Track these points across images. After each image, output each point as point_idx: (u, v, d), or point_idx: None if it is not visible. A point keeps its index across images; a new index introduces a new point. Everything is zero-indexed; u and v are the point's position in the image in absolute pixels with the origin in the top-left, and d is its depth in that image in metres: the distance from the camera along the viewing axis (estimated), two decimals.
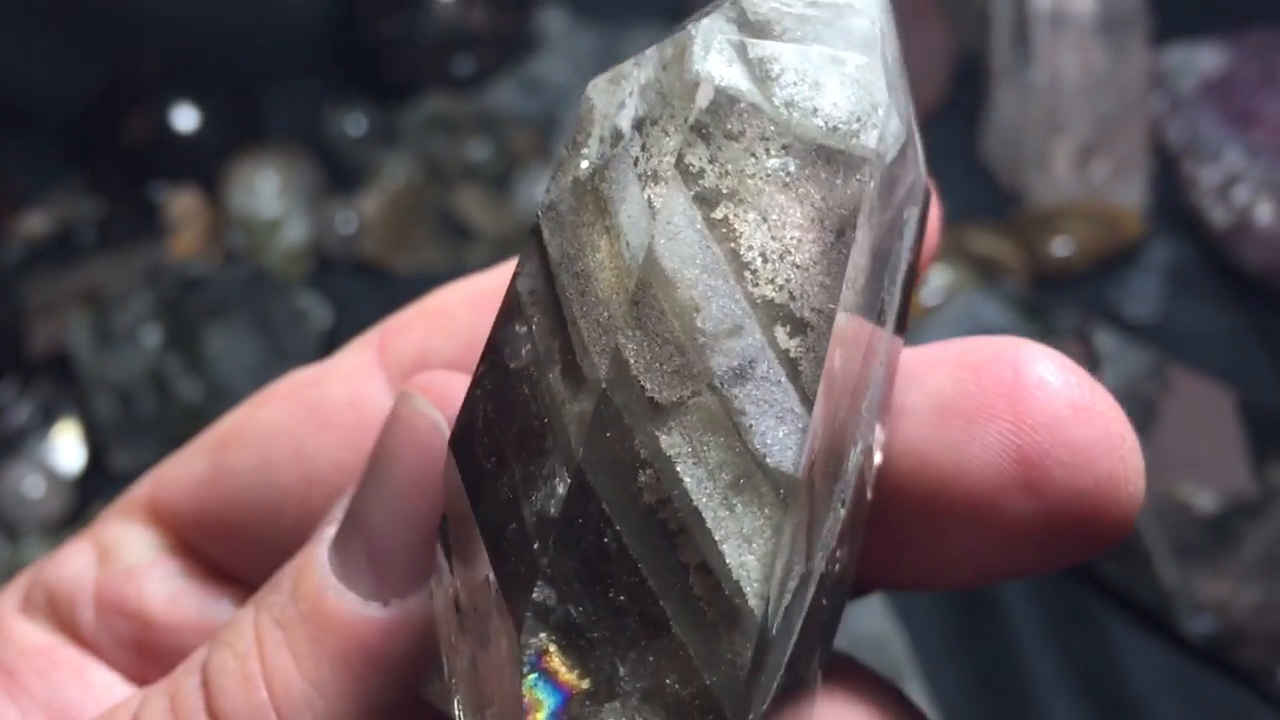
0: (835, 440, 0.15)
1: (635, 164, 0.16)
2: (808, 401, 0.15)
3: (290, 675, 0.18)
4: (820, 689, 0.17)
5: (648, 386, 0.15)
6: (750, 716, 0.15)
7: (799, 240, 0.15)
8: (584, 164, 0.16)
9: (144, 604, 0.23)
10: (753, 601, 0.14)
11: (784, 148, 0.15)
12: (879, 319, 0.16)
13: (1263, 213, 0.70)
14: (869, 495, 0.17)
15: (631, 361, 0.15)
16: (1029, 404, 0.17)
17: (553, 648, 0.15)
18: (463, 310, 0.22)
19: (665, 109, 0.16)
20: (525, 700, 0.14)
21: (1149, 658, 0.58)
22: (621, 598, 0.14)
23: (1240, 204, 0.71)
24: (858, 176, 0.15)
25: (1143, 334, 0.68)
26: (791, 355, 0.15)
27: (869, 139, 0.15)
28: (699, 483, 0.15)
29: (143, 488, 0.24)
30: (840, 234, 0.15)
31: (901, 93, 0.16)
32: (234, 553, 0.23)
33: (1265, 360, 0.69)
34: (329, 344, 0.76)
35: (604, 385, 0.15)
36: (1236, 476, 0.58)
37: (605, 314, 0.15)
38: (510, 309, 0.16)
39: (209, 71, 0.86)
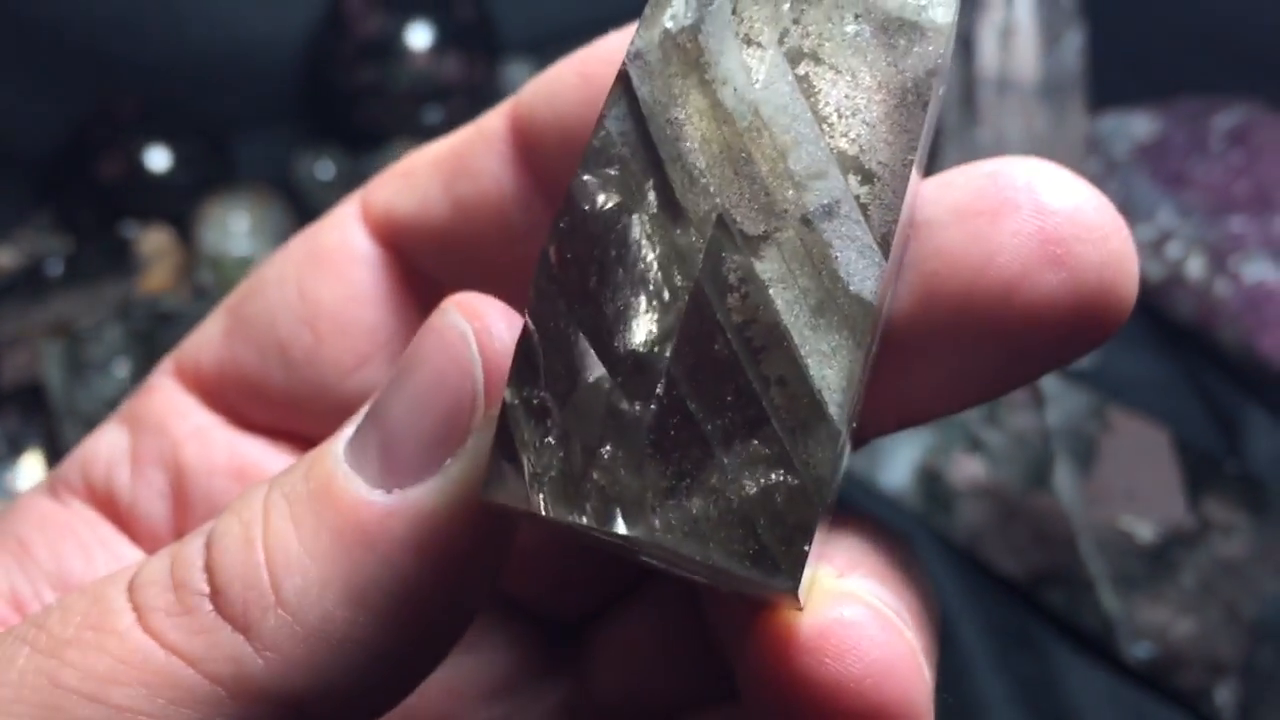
0: (889, 282, 0.18)
1: (730, 24, 0.18)
2: (882, 242, 0.17)
3: (289, 541, 0.19)
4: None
5: (739, 219, 0.17)
6: (822, 510, 0.17)
7: (869, 100, 0.17)
8: (671, 20, 0.18)
9: (177, 453, 0.25)
10: (833, 410, 0.16)
11: (857, 16, 0.18)
12: (923, 173, 0.18)
13: (1194, 267, 0.74)
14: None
15: (727, 195, 0.17)
16: (1048, 194, 0.18)
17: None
18: (423, 169, 0.25)
19: None
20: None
21: (1091, 681, 0.61)
22: (728, 398, 0.17)
23: (1173, 259, 0.75)
24: (930, 47, 0.17)
25: (1083, 380, 0.72)
26: (862, 201, 0.17)
27: (938, 14, 0.18)
28: (788, 305, 0.17)
29: (168, 360, 0.27)
30: (908, 98, 0.17)
31: None
32: (256, 392, 0.25)
33: (1197, 405, 0.73)
34: None
35: (705, 217, 0.17)
36: (1173, 509, 0.61)
37: (702, 157, 0.17)
38: (598, 149, 0.18)
39: (183, 115, 0.87)
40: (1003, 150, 0.78)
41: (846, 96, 0.17)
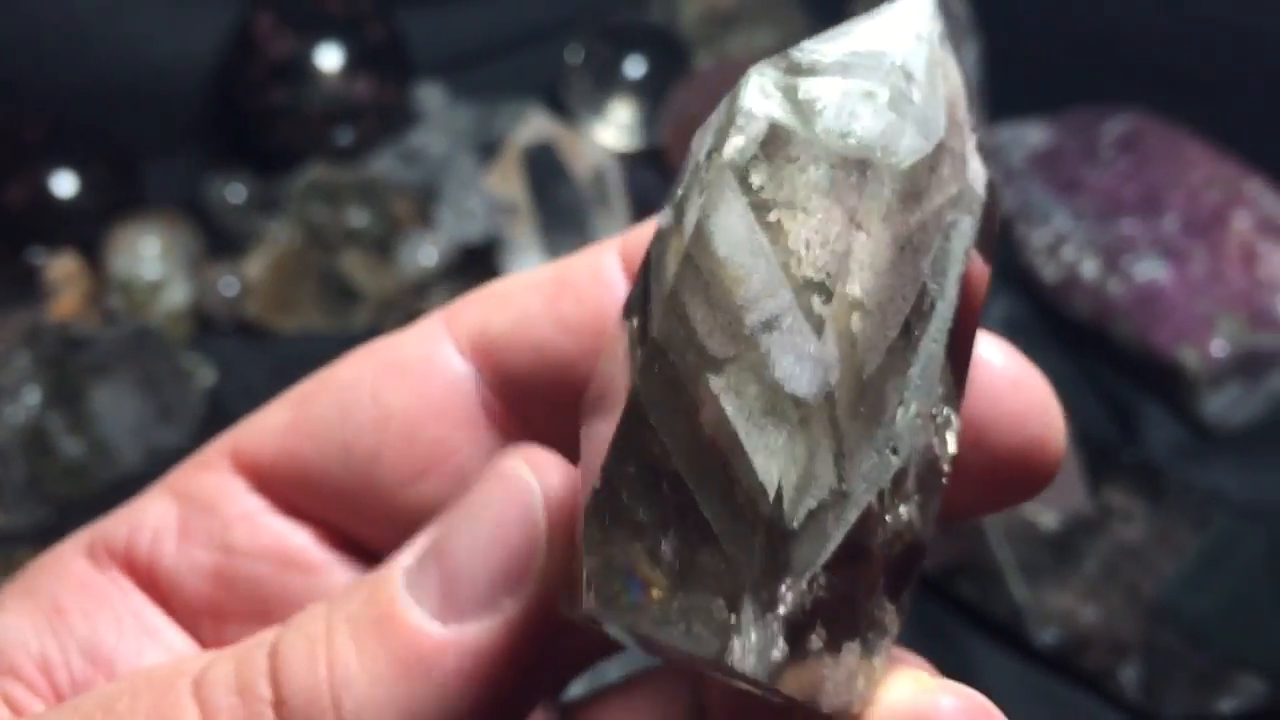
0: (868, 391, 0.20)
1: (701, 182, 0.20)
2: (824, 341, 0.19)
3: (350, 663, 0.20)
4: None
5: (706, 345, 0.20)
6: (764, 596, 0.19)
7: (837, 233, 0.20)
8: (679, 190, 0.21)
9: (226, 533, 0.26)
10: (769, 494, 0.19)
11: (829, 163, 0.20)
12: (919, 301, 0.20)
13: (1088, 268, 0.77)
14: (944, 468, 0.21)
15: (692, 322, 0.20)
16: (975, 380, 0.21)
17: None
18: (518, 293, 0.25)
19: (736, 138, 0.21)
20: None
21: (1003, 667, 0.63)
22: (669, 495, 0.19)
23: (1068, 261, 0.78)
24: (873, 181, 0.20)
25: None
26: (816, 312, 0.19)
27: (885, 153, 0.20)
28: (737, 410, 0.19)
29: (224, 442, 0.26)
30: (859, 226, 0.20)
31: (937, 116, 0.21)
32: (312, 488, 0.26)
33: (1094, 399, 0.76)
34: (213, 402, 0.77)
35: (657, 339, 0.20)
36: (1076, 498, 0.64)
37: (680, 288, 0.20)
38: (633, 282, 0.21)
39: (90, 139, 0.86)
40: None
41: (816, 231, 0.20)
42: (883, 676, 0.20)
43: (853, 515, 0.19)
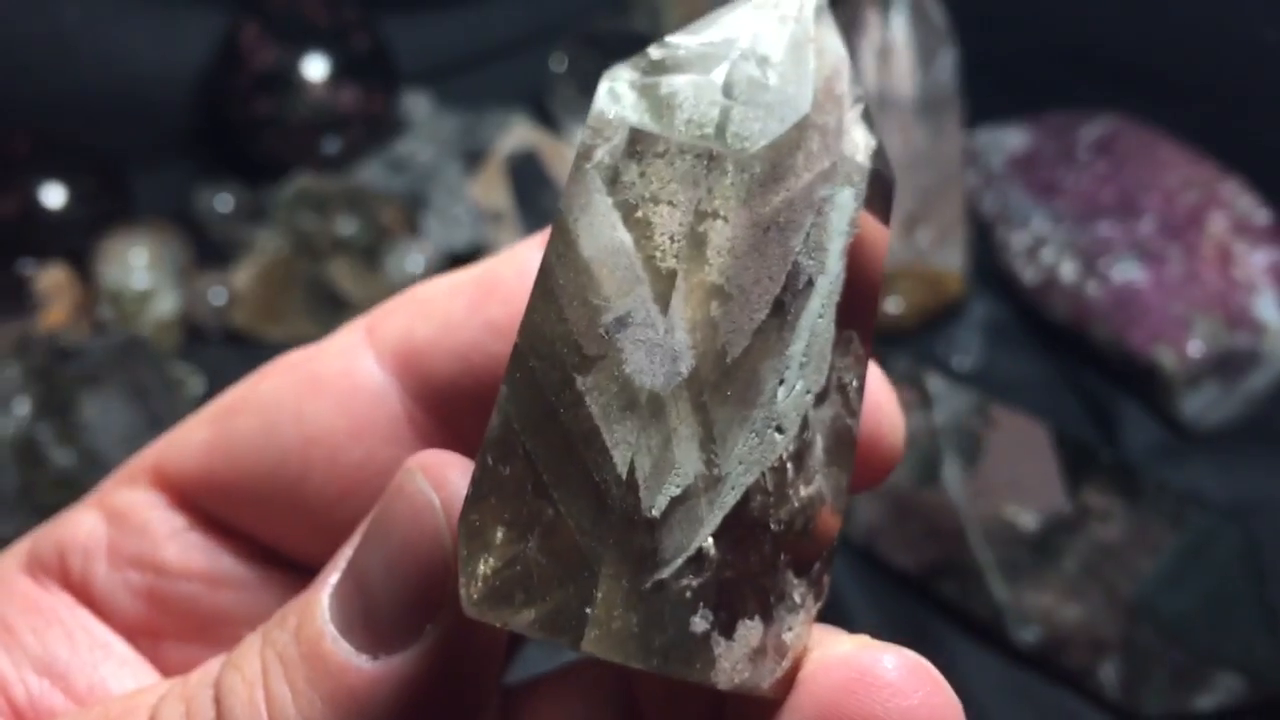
0: (735, 374, 0.20)
1: (574, 186, 0.21)
2: (669, 331, 0.20)
3: (287, 708, 0.21)
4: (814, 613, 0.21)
5: (581, 344, 0.20)
6: (634, 584, 0.19)
7: (689, 222, 0.21)
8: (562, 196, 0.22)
9: (156, 554, 0.26)
10: (622, 481, 0.20)
11: (691, 156, 0.21)
12: (792, 280, 0.21)
13: (1067, 270, 0.78)
14: (854, 433, 0.21)
15: (566, 324, 0.20)
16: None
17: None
18: (442, 298, 0.25)
19: (600, 142, 0.21)
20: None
21: (984, 666, 0.64)
22: (533, 496, 0.20)
23: (1047, 264, 0.79)
24: (722, 170, 0.21)
25: (967, 381, 0.75)
26: (670, 304, 0.20)
27: (736, 139, 0.21)
28: (599, 405, 0.20)
29: (146, 457, 0.26)
30: (715, 214, 0.21)
31: (799, 95, 0.21)
32: (237, 510, 0.26)
33: (1073, 400, 0.77)
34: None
35: (519, 343, 0.21)
36: (1054, 498, 0.64)
37: (555, 290, 0.21)
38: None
39: (78, 150, 0.87)
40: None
41: (679, 224, 0.21)
42: (800, 650, 0.20)
43: (731, 498, 0.20)
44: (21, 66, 0.85)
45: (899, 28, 0.80)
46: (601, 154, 0.21)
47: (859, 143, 0.22)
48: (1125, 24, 0.88)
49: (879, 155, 0.22)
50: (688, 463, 0.20)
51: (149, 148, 0.91)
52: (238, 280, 0.83)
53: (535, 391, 0.20)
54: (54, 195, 0.85)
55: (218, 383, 0.78)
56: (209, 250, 0.88)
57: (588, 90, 0.95)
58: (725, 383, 0.20)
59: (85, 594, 0.26)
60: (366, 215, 0.87)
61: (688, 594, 0.19)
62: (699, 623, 0.19)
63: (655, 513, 0.20)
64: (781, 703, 0.20)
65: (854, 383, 0.21)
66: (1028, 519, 0.64)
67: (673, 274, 0.20)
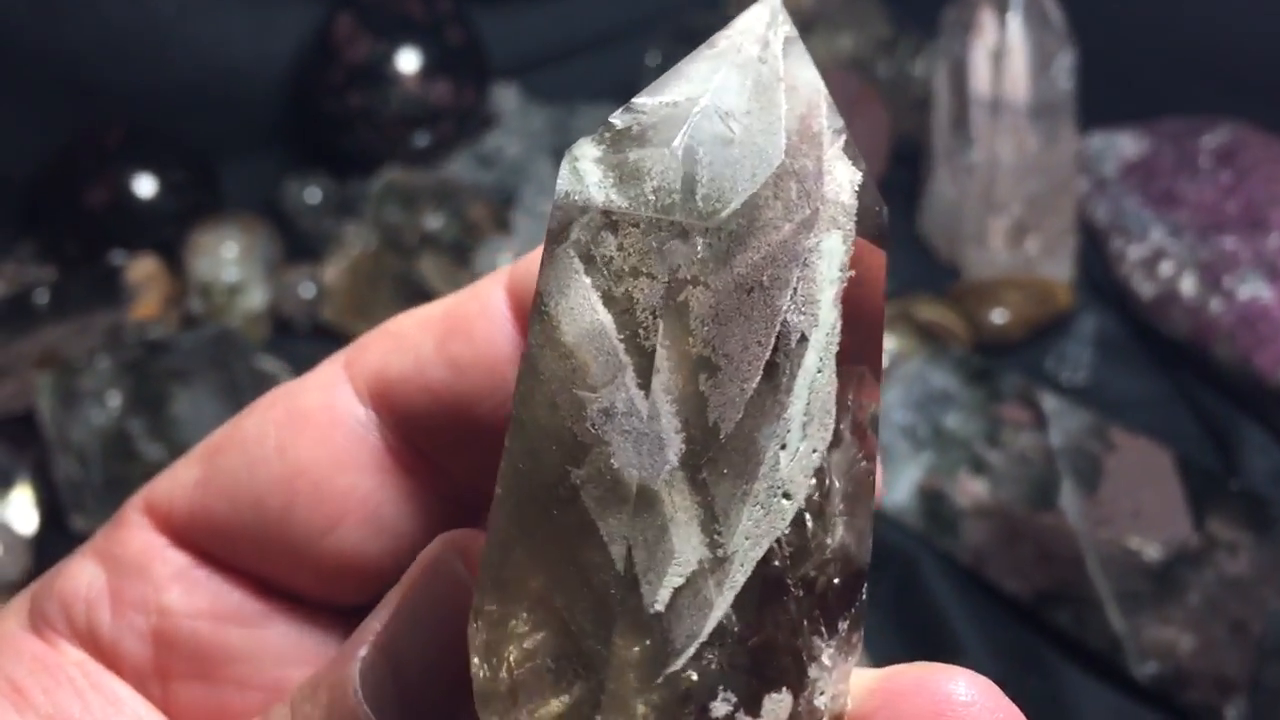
0: (731, 448, 0.19)
1: (550, 267, 0.20)
2: (654, 418, 0.19)
3: None
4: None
5: (574, 432, 0.19)
6: (644, 680, 0.19)
7: (663, 295, 0.19)
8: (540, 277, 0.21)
9: (159, 596, 0.25)
10: (622, 578, 0.19)
11: (663, 227, 0.20)
12: (782, 340, 0.20)
13: (1187, 285, 0.75)
14: (874, 471, 0.21)
15: (560, 410, 0.20)
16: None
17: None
18: (414, 332, 0.25)
19: (571, 220, 0.20)
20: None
21: (1100, 701, 0.61)
22: (539, 601, 0.19)
23: (1166, 277, 0.76)
24: (691, 239, 0.20)
25: (1078, 398, 0.72)
26: (652, 387, 0.19)
27: (704, 203, 0.20)
28: (593, 500, 0.19)
29: (138, 500, 0.27)
30: (682, 282, 0.20)
31: (770, 142, 0.20)
32: (231, 546, 0.26)
33: (1193, 422, 0.73)
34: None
35: (517, 432, 0.20)
36: (1179, 528, 0.62)
37: (543, 378, 0.20)
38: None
39: (170, 142, 0.87)
40: (995, 174, 0.78)
41: (659, 299, 0.20)
42: (838, 713, 0.20)
43: (741, 576, 0.19)
44: (115, 58, 0.84)
45: (1015, 29, 0.77)
46: (575, 233, 0.20)
47: (842, 181, 0.20)
48: (1247, 28, 0.85)
49: (865, 188, 0.21)
50: (687, 549, 0.19)
51: (240, 140, 0.90)
52: (327, 275, 0.83)
53: (532, 486, 0.20)
54: (145, 186, 0.85)
55: None
56: (297, 244, 0.87)
57: None
58: (722, 458, 0.19)
59: (92, 645, 0.26)
60: (455, 211, 0.86)
61: (705, 678, 0.19)
62: (720, 707, 0.19)
63: (660, 607, 0.19)
64: None
65: (868, 420, 0.21)
66: (1151, 549, 0.61)
67: (651, 355, 0.19)
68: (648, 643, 0.19)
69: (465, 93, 0.89)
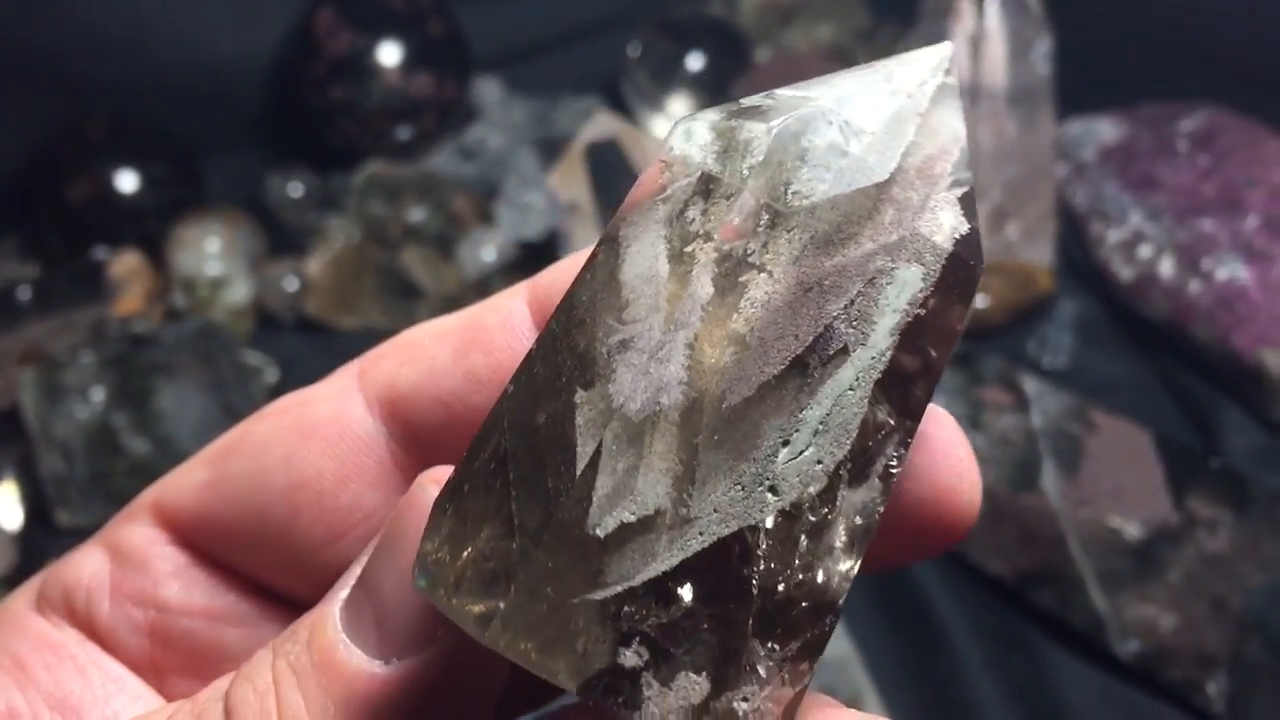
0: (731, 423, 0.20)
1: (638, 214, 0.21)
2: (663, 362, 0.20)
3: (300, 715, 0.21)
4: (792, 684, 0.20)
5: (590, 356, 0.20)
6: (562, 596, 0.19)
7: (730, 270, 0.20)
8: (619, 219, 0.22)
9: (158, 591, 0.26)
10: (575, 496, 0.20)
11: (752, 203, 0.21)
12: (821, 343, 0.20)
13: (1166, 268, 0.76)
14: (879, 514, 0.20)
15: (588, 335, 0.21)
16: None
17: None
18: (429, 343, 0.25)
19: (673, 178, 0.21)
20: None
21: (1083, 679, 0.62)
22: (499, 491, 0.20)
23: (1144, 260, 0.77)
24: (784, 225, 0.20)
25: (1059, 381, 0.73)
26: (681, 341, 0.20)
27: (797, 197, 0.21)
28: (584, 418, 0.20)
29: (148, 496, 0.27)
30: (761, 267, 0.20)
31: (880, 165, 0.21)
32: (232, 547, 0.26)
33: (1172, 403, 0.74)
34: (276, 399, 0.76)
35: (534, 349, 0.21)
36: (1159, 506, 0.62)
37: (584, 303, 0.21)
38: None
39: (152, 137, 0.86)
40: (975, 160, 0.79)
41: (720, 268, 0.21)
42: None
43: (696, 543, 0.19)
44: (98, 52, 0.84)
45: (993, 15, 0.77)
46: (670, 189, 0.21)
47: (944, 224, 0.21)
48: (1222, 12, 0.85)
49: (967, 242, 0.21)
50: (650, 494, 0.20)
51: (222, 134, 0.90)
52: (310, 268, 0.83)
53: (535, 394, 0.20)
54: (127, 181, 0.85)
55: (291, 371, 0.77)
56: (280, 237, 0.87)
57: (662, 77, 0.94)
58: (722, 430, 0.20)
59: (90, 632, 0.26)
60: (438, 203, 0.86)
61: (625, 624, 0.19)
62: (630, 656, 0.19)
63: (599, 532, 0.19)
64: None
65: (895, 472, 0.20)
66: (1132, 528, 0.62)
67: (696, 314, 0.20)
68: (575, 560, 0.19)
69: (447, 85, 0.89)
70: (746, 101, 0.22)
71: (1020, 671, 0.62)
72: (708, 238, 0.20)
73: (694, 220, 0.21)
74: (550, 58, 1.00)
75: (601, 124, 0.89)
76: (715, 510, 0.19)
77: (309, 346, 0.82)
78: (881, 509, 0.20)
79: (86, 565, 0.26)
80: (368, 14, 0.87)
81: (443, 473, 0.22)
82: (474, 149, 0.93)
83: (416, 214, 0.85)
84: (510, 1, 0.98)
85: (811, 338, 0.20)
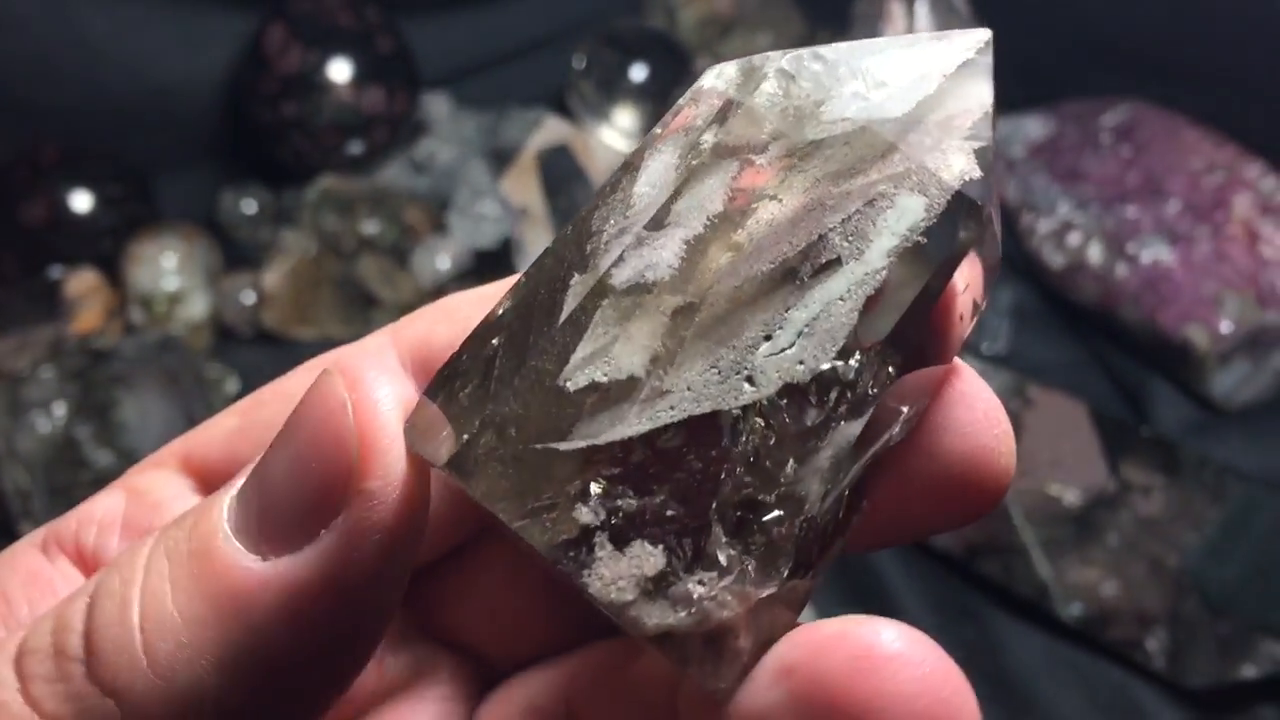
0: (721, 311, 0.20)
1: (663, 140, 0.22)
2: (659, 248, 0.21)
3: (164, 604, 0.19)
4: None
5: (595, 250, 0.21)
6: (524, 445, 0.20)
7: (736, 191, 0.21)
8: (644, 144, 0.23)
9: None
10: (555, 354, 0.20)
11: (768, 128, 0.22)
12: (814, 249, 0.21)
13: (1094, 253, 0.79)
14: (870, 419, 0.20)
15: (591, 228, 0.22)
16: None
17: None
18: (466, 307, 0.25)
19: (696, 110, 0.23)
20: None
21: (1030, 643, 0.64)
22: (487, 351, 0.21)
23: (1074, 247, 0.80)
24: (799, 160, 0.21)
25: (1000, 364, 0.76)
26: (678, 238, 0.21)
27: (797, 125, 0.22)
28: (574, 291, 0.21)
29: (175, 444, 0.26)
30: (771, 196, 0.21)
31: (892, 111, 0.22)
32: None
33: (1105, 381, 0.77)
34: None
35: (551, 244, 0.22)
36: (1096, 474, 0.65)
37: (597, 207, 0.22)
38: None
39: (105, 157, 0.87)
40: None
41: (727, 188, 0.22)
42: (729, 623, 0.19)
43: (665, 416, 0.19)
44: (49, 75, 0.85)
45: (923, 16, 0.81)
46: (694, 118, 0.22)
47: (954, 166, 0.21)
48: (1142, 11, 0.89)
49: (976, 185, 0.21)
50: (625, 361, 0.20)
51: (175, 153, 0.91)
52: (267, 280, 0.84)
53: (538, 282, 0.21)
54: (81, 201, 0.85)
55: (251, 383, 0.78)
56: (235, 253, 0.88)
57: (607, 87, 0.96)
58: (704, 310, 0.20)
59: (97, 566, 0.25)
60: (390, 215, 0.88)
61: (581, 478, 0.19)
62: (585, 513, 0.19)
63: (569, 385, 0.20)
64: (732, 689, 0.19)
65: (901, 413, 0.21)
66: (1071, 496, 0.65)
67: (699, 221, 0.21)
68: (544, 408, 0.20)
69: (397, 100, 0.91)
70: (774, 54, 0.23)
71: (970, 639, 0.65)
72: (722, 155, 0.21)
73: (709, 142, 0.21)
74: (497, 72, 1.02)
75: (551, 130, 0.92)
76: (689, 388, 0.19)
77: (268, 358, 0.83)
78: (877, 445, 0.20)
79: (102, 504, 0.26)
80: (317, 31, 0.89)
81: (351, 365, 0.21)
82: (425, 163, 0.95)
83: (370, 226, 0.87)
84: (456, 19, 1.00)
85: (804, 244, 0.20)
